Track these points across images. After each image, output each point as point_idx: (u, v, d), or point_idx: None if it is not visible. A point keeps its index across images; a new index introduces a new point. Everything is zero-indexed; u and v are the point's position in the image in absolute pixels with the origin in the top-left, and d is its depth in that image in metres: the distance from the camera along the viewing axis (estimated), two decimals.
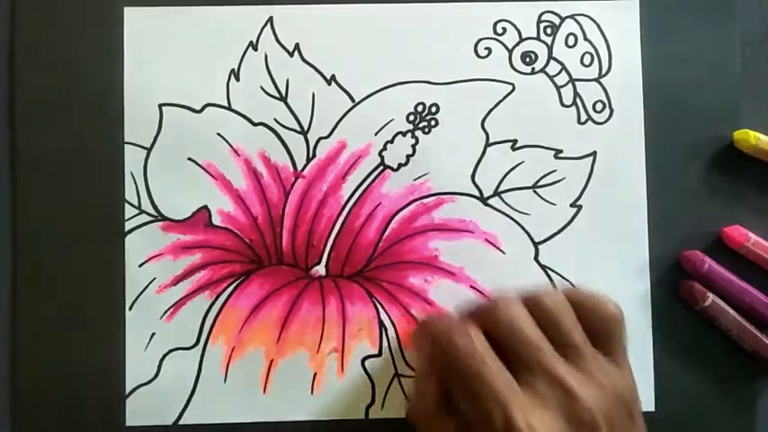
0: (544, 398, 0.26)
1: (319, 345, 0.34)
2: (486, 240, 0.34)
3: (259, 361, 0.34)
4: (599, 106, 0.35)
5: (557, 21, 0.35)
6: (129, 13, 0.34)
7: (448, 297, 0.34)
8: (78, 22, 0.34)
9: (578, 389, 0.26)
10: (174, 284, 0.34)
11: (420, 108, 0.35)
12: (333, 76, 0.35)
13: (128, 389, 0.34)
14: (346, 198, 0.34)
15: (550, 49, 0.35)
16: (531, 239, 0.35)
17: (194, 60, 0.34)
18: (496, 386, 0.26)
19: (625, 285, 0.34)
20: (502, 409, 0.26)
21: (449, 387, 0.29)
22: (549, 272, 0.34)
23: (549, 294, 0.28)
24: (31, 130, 0.34)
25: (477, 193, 0.35)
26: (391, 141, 0.35)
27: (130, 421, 0.33)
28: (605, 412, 0.26)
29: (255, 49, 0.35)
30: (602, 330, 0.28)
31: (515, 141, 0.35)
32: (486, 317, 0.28)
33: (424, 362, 0.29)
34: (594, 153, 0.35)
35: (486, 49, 0.35)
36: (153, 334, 0.34)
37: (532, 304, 0.28)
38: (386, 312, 0.34)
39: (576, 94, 0.35)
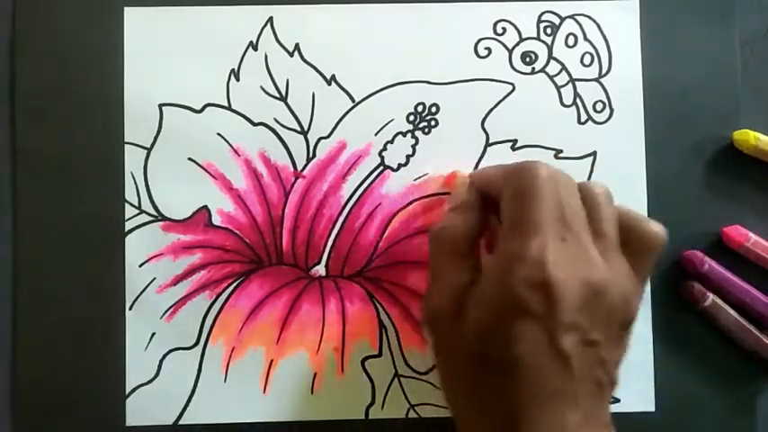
0: (569, 254, 0.26)
1: (319, 345, 0.34)
2: None
3: (259, 361, 0.34)
4: (599, 106, 0.35)
5: (557, 21, 0.35)
6: (129, 13, 0.34)
7: None
8: (78, 22, 0.34)
9: (598, 260, 0.27)
10: (174, 284, 0.34)
11: (420, 108, 0.35)
12: (333, 76, 0.35)
13: (128, 389, 0.34)
14: (346, 198, 0.34)
15: (550, 49, 0.35)
16: None
17: (194, 60, 0.34)
18: (551, 217, 0.27)
19: None
20: (543, 240, 0.26)
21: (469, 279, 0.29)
22: None
23: (601, 186, 0.29)
24: (31, 130, 0.34)
25: None
26: (391, 141, 0.35)
27: (130, 421, 0.33)
28: (611, 299, 0.26)
29: (255, 49, 0.35)
30: (636, 244, 0.28)
31: (515, 141, 0.35)
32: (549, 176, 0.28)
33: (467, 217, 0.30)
34: (594, 153, 0.35)
35: (486, 49, 0.35)
36: (153, 334, 0.34)
37: (584, 188, 0.29)
38: (386, 312, 0.34)
39: (576, 94, 0.35)
